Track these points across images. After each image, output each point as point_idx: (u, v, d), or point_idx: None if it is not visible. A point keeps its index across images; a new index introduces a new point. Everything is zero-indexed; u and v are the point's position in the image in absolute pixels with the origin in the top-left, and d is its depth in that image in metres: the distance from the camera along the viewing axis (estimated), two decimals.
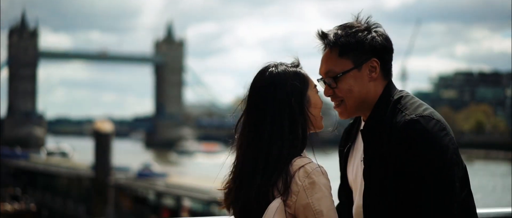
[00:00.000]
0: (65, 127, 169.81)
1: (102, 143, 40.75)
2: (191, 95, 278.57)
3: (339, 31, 2.44)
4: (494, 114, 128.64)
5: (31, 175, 52.66)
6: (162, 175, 41.94)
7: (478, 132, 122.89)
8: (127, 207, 38.45)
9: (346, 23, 2.45)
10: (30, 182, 51.18)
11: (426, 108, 2.35)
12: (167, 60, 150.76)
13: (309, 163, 2.29)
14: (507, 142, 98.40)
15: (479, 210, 2.56)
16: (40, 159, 63.98)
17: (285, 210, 2.27)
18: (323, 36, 2.46)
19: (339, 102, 2.46)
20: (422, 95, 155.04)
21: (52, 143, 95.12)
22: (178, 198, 35.69)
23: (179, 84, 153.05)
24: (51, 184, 48.52)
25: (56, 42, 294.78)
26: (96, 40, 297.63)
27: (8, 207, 43.26)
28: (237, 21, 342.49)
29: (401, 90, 2.47)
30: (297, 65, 2.44)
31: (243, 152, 2.37)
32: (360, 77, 2.41)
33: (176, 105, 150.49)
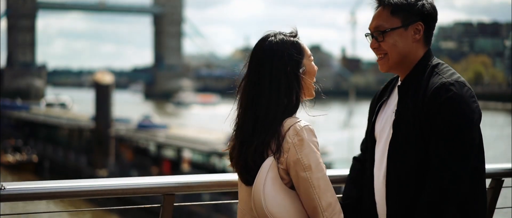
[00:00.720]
0: (65, 78, 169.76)
1: (103, 94, 40.79)
2: (190, 47, 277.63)
3: None
4: (492, 65, 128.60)
5: (32, 126, 52.88)
6: (163, 127, 42.17)
7: (477, 83, 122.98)
8: (128, 158, 38.72)
9: None
10: (31, 133, 51.45)
11: (460, 76, 2.64)
12: (166, 11, 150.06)
13: (298, 121, 2.54)
14: (505, 93, 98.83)
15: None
16: (40, 110, 64.11)
17: (278, 167, 2.52)
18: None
19: (383, 55, 2.73)
20: None
21: (51, 94, 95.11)
22: (178, 150, 35.95)
23: (178, 35, 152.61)
24: (52, 135, 48.76)
25: None
26: None
27: (10, 158, 43.63)
28: None
29: (438, 59, 2.76)
30: (295, 35, 2.68)
31: (243, 112, 2.63)
32: (405, 36, 2.69)
33: (175, 57, 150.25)
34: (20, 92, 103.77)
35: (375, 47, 2.73)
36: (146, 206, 2.86)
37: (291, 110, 2.58)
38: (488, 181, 3.44)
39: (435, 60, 2.72)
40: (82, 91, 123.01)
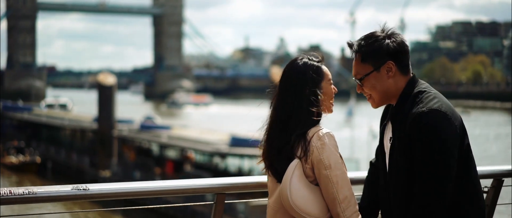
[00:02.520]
0: (65, 79, 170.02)
1: (105, 95, 41.00)
2: (190, 47, 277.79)
3: (362, 42, 3.13)
4: (491, 64, 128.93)
5: (34, 128, 53.10)
6: (166, 128, 42.39)
7: (475, 82, 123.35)
8: (131, 159, 38.87)
9: (370, 33, 3.14)
10: (34, 135, 51.69)
11: (437, 101, 2.96)
12: (166, 12, 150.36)
13: (321, 129, 3.06)
14: (504, 92, 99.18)
15: (480, 168, 3.34)
16: (43, 111, 64.32)
17: (305, 166, 3.03)
18: (350, 46, 3.18)
19: (369, 96, 3.15)
20: (420, 46, 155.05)
21: (51, 97, 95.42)
22: (182, 150, 36.20)
23: (178, 36, 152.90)
24: (54, 136, 49.01)
25: None
26: None
27: (13, 159, 43.88)
28: None
29: (422, 84, 3.11)
30: (320, 61, 3.21)
31: (272, 120, 3.14)
32: (379, 77, 3.09)
33: (175, 57, 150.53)
34: (21, 94, 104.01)
35: (360, 91, 3.17)
36: (200, 203, 3.35)
37: (313, 121, 3.08)
38: (489, 181, 3.90)
39: (417, 87, 3.05)
40: (82, 92, 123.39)
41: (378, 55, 3.07)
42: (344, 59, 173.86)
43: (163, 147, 38.04)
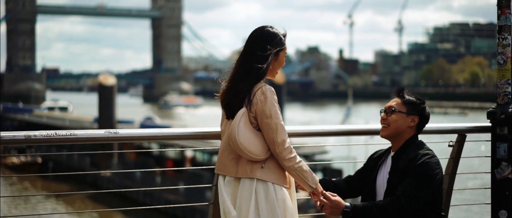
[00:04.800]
0: (64, 82, 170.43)
1: (106, 96, 41.34)
2: (189, 50, 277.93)
3: (412, 95, 4.13)
4: (489, 66, 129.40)
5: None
6: (166, 127, 42.71)
7: (473, 84, 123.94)
8: (131, 159, 39.14)
9: (418, 96, 4.14)
10: None
11: (431, 152, 3.97)
12: (164, 15, 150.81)
13: (264, 85, 3.67)
14: None
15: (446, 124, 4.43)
16: (43, 112, 64.76)
17: (249, 115, 3.65)
18: (400, 90, 4.16)
19: (386, 125, 4.08)
20: (418, 47, 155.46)
21: (50, 100, 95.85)
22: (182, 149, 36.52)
23: (177, 38, 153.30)
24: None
25: None
26: None
27: (14, 160, 44.29)
28: None
29: (420, 140, 4.08)
30: (284, 35, 3.81)
31: (235, 69, 3.75)
32: (404, 120, 4.05)
33: (174, 60, 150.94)
34: (21, 96, 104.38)
35: (383, 118, 4.07)
36: (199, 204, 3.95)
37: (260, 78, 3.70)
38: (454, 136, 4.53)
39: (418, 141, 4.04)
40: (82, 95, 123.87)
41: (415, 108, 4.07)
42: (342, 61, 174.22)
43: (163, 146, 38.40)
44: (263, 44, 3.71)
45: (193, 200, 29.15)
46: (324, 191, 3.82)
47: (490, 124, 4.50)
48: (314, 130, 4.47)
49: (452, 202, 4.56)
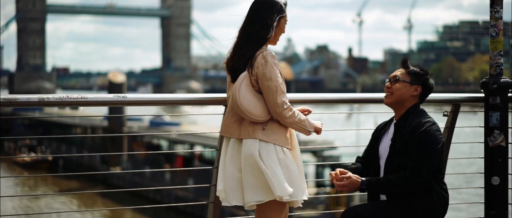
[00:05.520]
0: (74, 81, 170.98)
1: (116, 93, 41.51)
2: (198, 48, 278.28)
3: (416, 66, 4.35)
4: None
5: (46, 126, 53.77)
6: (175, 124, 42.88)
7: None
8: (141, 156, 39.29)
9: (422, 67, 4.37)
10: (45, 133, 52.36)
11: (431, 119, 4.20)
12: (174, 14, 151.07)
13: (265, 50, 3.85)
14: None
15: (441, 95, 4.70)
16: (53, 110, 65.12)
17: (251, 78, 3.84)
18: (405, 60, 4.37)
19: (390, 93, 4.28)
20: (427, 45, 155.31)
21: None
22: (191, 146, 36.66)
23: (187, 37, 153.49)
24: (66, 134, 49.65)
25: None
26: None
27: (25, 157, 44.67)
28: None
29: (421, 108, 4.29)
30: (285, 3, 3.97)
31: (239, 36, 3.93)
32: (407, 89, 4.26)
33: (183, 59, 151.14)
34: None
35: (388, 87, 4.26)
36: (197, 203, 4.19)
37: (261, 43, 3.88)
38: (449, 107, 4.71)
39: (420, 109, 4.25)
40: (92, 94, 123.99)
41: (419, 78, 4.28)
42: (351, 60, 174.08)
43: (172, 142, 38.56)
44: (265, 12, 3.89)
45: (202, 195, 29.30)
46: (338, 172, 4.13)
47: (483, 94, 4.66)
48: (318, 98, 4.69)
49: (447, 170, 4.73)
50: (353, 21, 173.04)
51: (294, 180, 3.84)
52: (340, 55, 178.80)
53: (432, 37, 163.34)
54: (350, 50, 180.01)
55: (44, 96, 3.50)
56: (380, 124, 4.39)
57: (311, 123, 3.95)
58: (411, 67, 4.26)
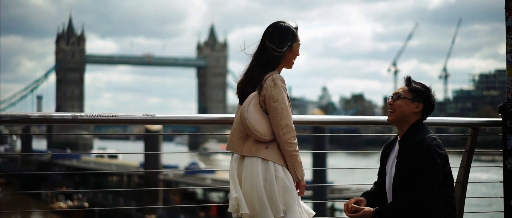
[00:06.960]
0: (112, 130, 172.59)
1: (151, 142, 41.94)
2: (235, 98, 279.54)
3: (418, 83, 4.37)
4: None
5: (82, 174, 54.31)
6: (210, 171, 43.00)
7: None
8: (176, 201, 39.41)
9: (425, 84, 4.40)
10: (82, 181, 52.81)
11: (433, 134, 4.23)
12: (210, 63, 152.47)
13: (274, 73, 4.01)
14: None
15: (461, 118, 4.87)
16: (90, 158, 65.75)
17: (259, 98, 3.99)
18: (408, 79, 4.39)
19: (392, 111, 4.35)
20: (463, 94, 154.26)
21: (98, 148, 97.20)
22: (226, 193, 36.71)
23: (223, 87, 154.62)
24: (102, 182, 50.02)
25: (102, 48, 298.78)
26: (141, 44, 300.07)
27: (62, 205, 45.06)
28: None
29: (423, 124, 4.32)
30: (296, 28, 4.16)
31: (252, 61, 4.12)
32: (408, 106, 4.30)
33: (219, 108, 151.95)
34: (69, 144, 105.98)
35: (390, 104, 4.33)
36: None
37: (273, 68, 4.05)
38: (468, 130, 4.80)
39: (422, 125, 4.28)
40: (129, 143, 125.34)
41: (420, 96, 4.31)
42: (386, 109, 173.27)
43: (207, 190, 38.62)
44: (277, 38, 4.05)
45: None
46: (352, 205, 4.20)
47: (501, 119, 4.75)
48: (327, 119, 4.79)
49: (467, 194, 4.80)
50: (388, 70, 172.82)
51: (288, 200, 3.96)
52: (376, 104, 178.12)
53: (468, 86, 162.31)
54: (385, 99, 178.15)
55: (77, 114, 3.69)
56: (387, 142, 4.45)
57: (302, 172, 4.06)
58: (413, 85, 4.31)
